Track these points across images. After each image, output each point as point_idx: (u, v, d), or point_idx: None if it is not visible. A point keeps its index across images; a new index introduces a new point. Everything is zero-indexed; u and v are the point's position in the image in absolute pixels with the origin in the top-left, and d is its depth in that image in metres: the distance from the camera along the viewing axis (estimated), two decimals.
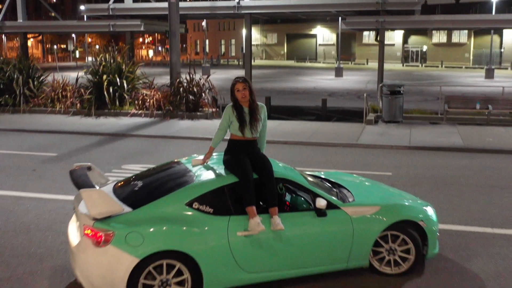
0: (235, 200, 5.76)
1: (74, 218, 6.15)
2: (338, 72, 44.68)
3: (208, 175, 5.93)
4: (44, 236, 7.61)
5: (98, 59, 18.74)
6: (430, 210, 6.65)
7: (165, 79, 34.33)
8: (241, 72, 45.84)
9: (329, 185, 6.91)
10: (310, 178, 6.61)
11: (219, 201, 5.69)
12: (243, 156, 5.96)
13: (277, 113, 20.20)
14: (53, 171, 11.33)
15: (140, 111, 18.29)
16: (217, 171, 6.00)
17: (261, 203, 5.99)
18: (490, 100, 17.05)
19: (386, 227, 6.18)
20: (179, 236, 5.39)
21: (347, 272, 6.32)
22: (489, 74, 41.99)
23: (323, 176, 7.43)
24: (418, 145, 13.59)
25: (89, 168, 6.39)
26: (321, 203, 5.85)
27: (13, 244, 7.32)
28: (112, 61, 18.61)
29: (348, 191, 6.70)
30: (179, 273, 5.43)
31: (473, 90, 31.55)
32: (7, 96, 19.36)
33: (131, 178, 6.49)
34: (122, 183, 6.38)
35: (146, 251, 5.24)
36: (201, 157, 6.43)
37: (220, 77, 41.31)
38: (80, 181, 5.70)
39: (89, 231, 5.33)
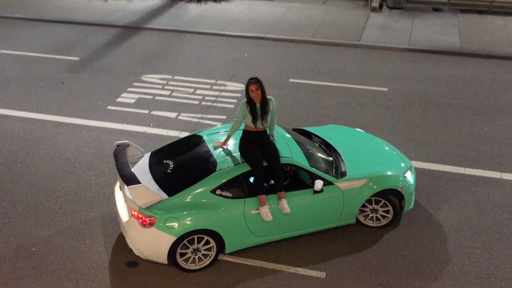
0: (249, 185, 7.16)
1: (118, 184, 7.62)
2: None
3: (227, 163, 7.24)
4: (88, 177, 9.12)
5: None
6: (409, 175, 8.04)
7: None
8: None
9: (327, 153, 8.20)
10: (310, 148, 7.92)
11: (237, 187, 7.11)
12: (255, 145, 7.20)
13: None
14: (80, 84, 12.47)
15: None
16: (234, 159, 7.29)
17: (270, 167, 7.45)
18: None
19: (371, 195, 7.67)
20: (206, 218, 6.90)
21: None
22: None
23: (319, 135, 8.70)
24: (417, 48, 14.43)
25: (128, 145, 7.71)
26: (318, 185, 7.24)
27: (64, 187, 8.86)
28: None
29: (342, 159, 8.03)
30: (207, 242, 7.08)
31: None
32: None
33: (162, 151, 7.83)
34: (156, 155, 7.75)
35: (182, 231, 6.81)
36: (221, 130, 7.74)
37: None
38: (125, 173, 7.03)
39: (135, 213, 6.85)
